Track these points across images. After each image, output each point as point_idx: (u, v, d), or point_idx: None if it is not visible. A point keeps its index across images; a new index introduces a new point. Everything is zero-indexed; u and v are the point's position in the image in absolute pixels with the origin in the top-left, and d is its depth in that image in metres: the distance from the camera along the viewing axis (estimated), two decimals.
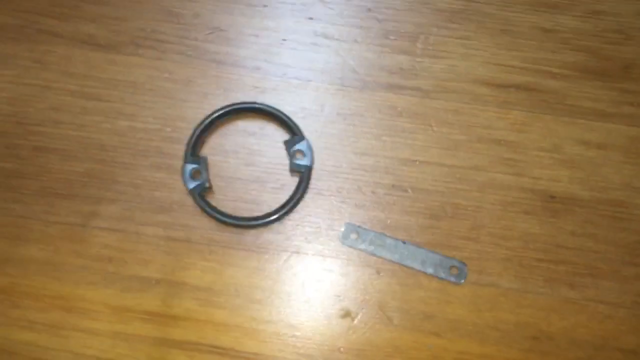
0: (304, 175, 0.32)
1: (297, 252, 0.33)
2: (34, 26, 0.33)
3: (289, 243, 0.33)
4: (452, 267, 0.32)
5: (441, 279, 0.31)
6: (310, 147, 0.32)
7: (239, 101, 0.33)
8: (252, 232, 0.33)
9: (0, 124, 0.33)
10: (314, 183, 0.33)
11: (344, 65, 0.33)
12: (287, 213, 0.32)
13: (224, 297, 0.32)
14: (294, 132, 0.33)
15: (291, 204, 0.32)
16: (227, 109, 0.33)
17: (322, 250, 0.33)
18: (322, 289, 0.32)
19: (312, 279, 0.33)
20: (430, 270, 0.31)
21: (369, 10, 0.34)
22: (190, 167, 0.32)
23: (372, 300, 0.32)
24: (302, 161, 0.32)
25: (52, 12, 0.33)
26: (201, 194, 0.32)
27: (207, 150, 0.33)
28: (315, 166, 0.33)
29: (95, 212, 0.33)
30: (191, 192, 0.32)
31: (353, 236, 0.32)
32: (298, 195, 0.32)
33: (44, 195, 0.33)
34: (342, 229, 0.32)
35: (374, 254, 0.32)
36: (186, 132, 0.33)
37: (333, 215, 0.33)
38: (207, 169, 0.32)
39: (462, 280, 0.31)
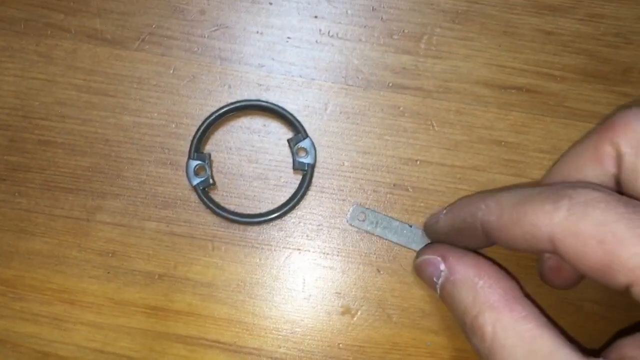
0: (306, 173, 0.33)
1: (299, 249, 0.33)
2: (40, 20, 0.33)
3: (291, 240, 0.33)
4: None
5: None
6: (313, 146, 0.33)
7: (243, 98, 0.34)
8: (255, 228, 0.33)
9: (6, 117, 0.33)
10: (316, 181, 0.33)
11: (347, 64, 0.34)
12: (289, 210, 0.33)
13: (226, 293, 0.33)
14: (297, 130, 0.33)
15: (294, 202, 0.33)
16: (231, 106, 0.33)
17: (323, 247, 0.33)
18: (323, 286, 0.33)
19: (313, 276, 0.33)
20: None
21: (374, 9, 0.34)
22: (194, 163, 0.32)
23: (372, 298, 0.33)
24: (305, 159, 0.33)
25: (59, 6, 0.33)
26: (205, 190, 0.33)
27: (211, 146, 0.33)
28: (318, 164, 0.33)
29: (100, 206, 0.33)
30: (195, 188, 0.32)
31: (360, 217, 0.32)
32: (301, 193, 0.33)
33: (49, 189, 0.33)
34: (350, 210, 0.32)
35: (380, 236, 0.32)
36: (190, 128, 0.33)
37: (335, 213, 0.33)
38: (211, 166, 0.33)
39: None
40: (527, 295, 0.25)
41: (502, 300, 0.24)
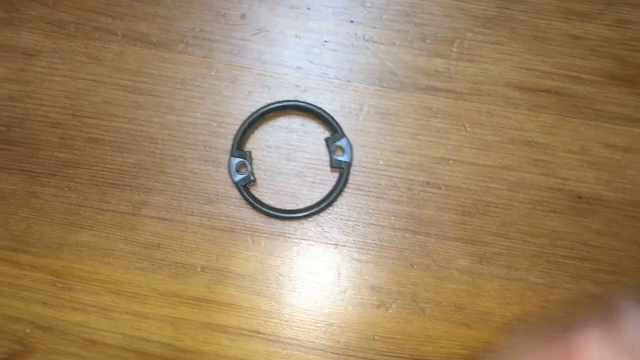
0: (344, 171, 0.34)
1: (335, 244, 0.34)
2: (89, 23, 0.35)
3: (328, 235, 0.34)
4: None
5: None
6: (350, 145, 0.34)
7: (281, 99, 0.35)
8: (293, 223, 0.34)
9: (56, 115, 0.35)
10: (352, 179, 0.35)
11: (382, 67, 0.35)
12: (327, 207, 0.34)
13: (265, 285, 0.34)
14: (334, 130, 0.34)
15: (331, 198, 0.34)
16: (271, 106, 0.34)
17: (359, 243, 0.34)
18: (358, 280, 0.34)
19: (348, 270, 0.34)
20: None
21: (407, 14, 0.35)
22: (236, 160, 0.34)
23: (406, 292, 0.34)
24: (342, 157, 0.34)
25: (107, 10, 0.35)
26: (245, 186, 0.34)
27: (252, 144, 0.35)
28: (354, 162, 0.35)
29: (145, 201, 0.34)
30: (236, 184, 0.34)
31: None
32: (338, 190, 0.34)
33: (96, 185, 0.35)
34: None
35: None
36: (231, 127, 0.35)
37: (370, 210, 0.34)
38: (251, 163, 0.34)
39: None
40: None
41: None
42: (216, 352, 0.34)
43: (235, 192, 0.34)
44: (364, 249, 0.34)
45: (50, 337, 0.34)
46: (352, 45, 0.35)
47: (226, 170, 0.34)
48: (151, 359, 0.34)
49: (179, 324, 0.34)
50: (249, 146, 0.35)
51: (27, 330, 0.34)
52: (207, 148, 0.35)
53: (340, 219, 0.35)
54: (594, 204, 0.34)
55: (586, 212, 0.34)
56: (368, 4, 0.36)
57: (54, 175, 0.35)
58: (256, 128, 0.35)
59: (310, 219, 0.34)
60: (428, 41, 0.35)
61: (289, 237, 0.34)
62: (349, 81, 0.35)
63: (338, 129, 0.34)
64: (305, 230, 0.34)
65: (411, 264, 0.34)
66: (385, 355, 0.34)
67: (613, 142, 0.35)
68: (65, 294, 0.34)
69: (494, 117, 0.35)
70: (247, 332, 0.34)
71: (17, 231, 0.35)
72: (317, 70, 0.35)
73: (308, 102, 0.35)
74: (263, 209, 0.34)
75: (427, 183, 0.35)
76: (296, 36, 0.35)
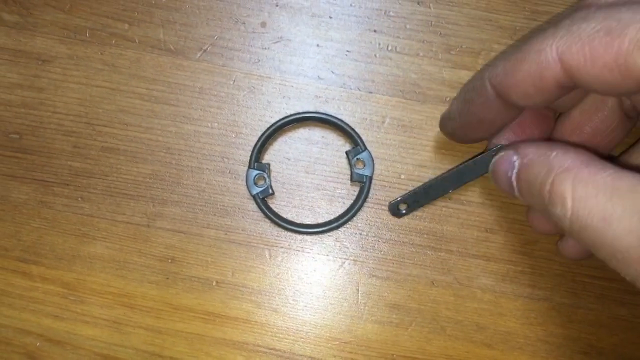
0: (364, 185, 0.33)
1: (354, 260, 0.34)
2: (106, 29, 0.34)
3: (347, 250, 0.34)
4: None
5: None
6: (371, 158, 0.33)
7: (300, 110, 0.34)
8: (312, 238, 0.34)
9: (70, 123, 0.34)
10: (372, 193, 0.34)
11: (405, 78, 0.34)
12: (346, 221, 0.33)
13: (282, 301, 0.33)
14: (356, 143, 0.33)
15: (351, 213, 0.33)
16: (291, 118, 0.33)
17: (378, 259, 0.33)
18: (377, 297, 0.33)
19: (367, 286, 0.33)
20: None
21: (432, 25, 0.34)
22: (254, 172, 0.33)
23: (426, 310, 0.33)
24: (364, 171, 0.33)
25: (124, 16, 0.34)
26: (263, 200, 0.33)
27: (270, 156, 0.34)
28: (375, 176, 0.34)
29: (160, 213, 0.34)
30: (254, 197, 0.33)
31: (402, 207, 0.31)
32: (358, 205, 0.33)
33: (111, 195, 0.34)
34: (389, 210, 0.31)
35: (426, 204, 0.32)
36: (249, 138, 0.34)
37: (391, 226, 0.34)
38: (270, 175, 0.33)
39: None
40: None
41: (577, 161, 0.22)
42: None
43: (252, 205, 0.33)
44: (383, 265, 0.33)
45: (60, 351, 0.33)
46: (375, 56, 0.34)
47: (244, 183, 0.33)
48: None
49: (193, 340, 0.33)
50: (267, 158, 0.34)
51: (37, 344, 0.33)
52: (225, 159, 0.34)
53: (360, 234, 0.34)
54: None
55: None
56: (392, 13, 0.35)
57: (67, 184, 0.34)
58: (275, 139, 0.34)
59: (329, 234, 0.34)
60: (453, 52, 0.34)
61: (307, 252, 0.34)
62: (370, 92, 0.34)
63: (359, 141, 0.33)
64: (324, 245, 0.34)
65: (432, 282, 0.33)
66: None
67: None
68: (77, 306, 0.33)
69: None
70: (263, 349, 0.33)
71: (28, 242, 0.34)
72: (339, 81, 0.34)
73: (329, 113, 0.34)
74: (281, 223, 0.33)
75: (449, 198, 0.34)
76: (317, 45, 0.35)
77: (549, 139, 0.30)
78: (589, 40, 0.21)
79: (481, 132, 0.29)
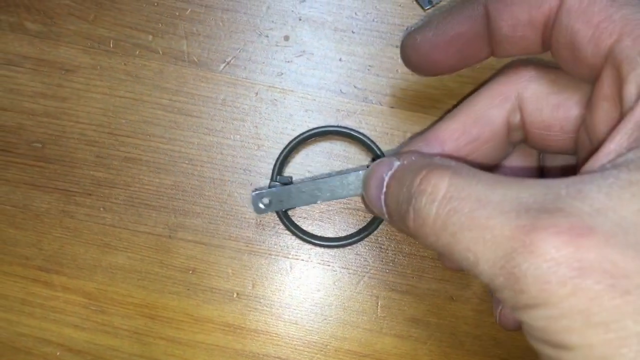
0: None
1: (374, 274, 0.34)
2: (129, 40, 0.34)
3: (367, 264, 0.34)
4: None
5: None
6: None
7: (322, 123, 0.34)
8: (332, 251, 0.34)
9: (93, 133, 0.34)
10: None
11: (427, 94, 0.34)
12: (367, 235, 0.33)
13: (302, 313, 0.33)
14: (377, 157, 0.34)
15: (372, 227, 0.33)
16: (314, 131, 0.34)
17: (398, 273, 0.34)
18: (396, 311, 0.34)
19: (386, 300, 0.34)
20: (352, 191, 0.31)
21: None
22: (261, 193, 0.33)
23: (445, 325, 0.33)
24: None
25: (148, 27, 0.34)
26: (285, 212, 0.33)
27: (292, 170, 0.34)
28: None
29: (182, 224, 0.34)
30: (276, 209, 0.33)
31: (265, 202, 0.32)
32: (379, 219, 0.33)
33: (133, 205, 0.34)
34: (251, 203, 0.32)
35: (289, 208, 0.32)
36: (271, 150, 0.34)
37: (410, 240, 0.34)
38: None
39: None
40: None
41: (459, 164, 0.22)
42: None
43: (274, 218, 0.34)
44: (403, 279, 0.34)
45: None
46: (397, 71, 0.35)
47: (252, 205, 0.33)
48: None
49: (213, 351, 0.33)
50: (289, 171, 0.34)
51: (58, 353, 0.33)
52: (247, 171, 0.34)
53: (380, 248, 0.34)
54: None
55: None
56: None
57: (90, 194, 0.34)
58: (297, 152, 0.34)
59: (349, 247, 0.34)
60: (475, 69, 0.35)
61: (328, 265, 0.34)
62: (392, 107, 0.35)
63: (381, 155, 0.34)
64: (345, 258, 0.34)
65: (451, 297, 0.34)
66: None
67: None
68: (97, 316, 0.33)
69: None
70: None
71: (50, 251, 0.34)
72: (360, 95, 0.35)
73: (350, 127, 0.34)
74: (302, 235, 0.33)
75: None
76: (340, 60, 0.35)
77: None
78: None
79: (445, 53, 0.28)
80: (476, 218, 0.20)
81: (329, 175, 0.33)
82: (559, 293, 0.18)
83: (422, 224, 0.22)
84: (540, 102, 0.27)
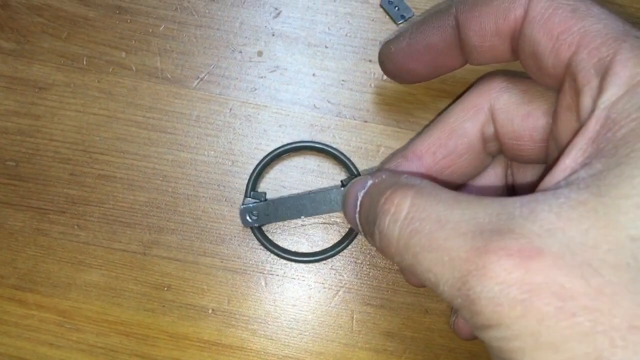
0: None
1: (349, 288, 0.34)
2: (103, 57, 0.34)
3: (342, 278, 0.34)
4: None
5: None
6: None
7: (296, 138, 0.34)
8: (307, 266, 0.34)
9: (67, 151, 0.34)
10: None
11: (400, 108, 0.35)
12: (341, 250, 0.34)
13: (278, 328, 0.33)
14: (351, 172, 0.34)
15: (346, 241, 0.33)
16: (287, 147, 0.34)
17: (372, 287, 0.34)
18: (371, 325, 0.34)
19: (361, 314, 0.34)
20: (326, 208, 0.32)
21: None
22: (250, 201, 0.33)
23: (420, 338, 0.34)
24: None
25: (122, 44, 0.34)
26: (259, 228, 0.33)
27: (266, 185, 0.34)
28: None
29: (156, 240, 0.34)
30: (263, 223, 0.33)
31: (252, 217, 0.32)
32: (353, 233, 0.33)
33: (107, 223, 0.34)
34: (239, 216, 0.32)
35: (276, 222, 0.33)
36: (245, 166, 0.34)
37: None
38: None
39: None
40: None
41: (424, 181, 0.23)
42: None
43: (248, 233, 0.34)
44: (378, 293, 0.34)
45: None
46: (370, 85, 0.35)
47: (239, 217, 0.33)
48: None
49: None
50: (263, 187, 0.34)
51: None
52: (221, 187, 0.34)
53: (355, 262, 0.34)
54: None
55: None
56: None
57: (64, 212, 0.34)
58: (271, 168, 0.34)
59: (324, 262, 0.34)
60: (447, 82, 0.35)
61: (303, 280, 0.34)
62: (366, 121, 0.35)
63: (355, 170, 0.34)
64: (320, 273, 0.34)
65: (426, 310, 0.34)
66: None
67: None
68: (72, 334, 0.33)
69: None
70: None
71: (24, 269, 0.34)
72: (334, 110, 0.35)
73: (324, 142, 0.34)
74: (277, 251, 0.33)
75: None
76: (313, 75, 0.35)
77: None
78: (556, 5, 0.22)
79: (419, 62, 0.29)
80: (435, 239, 0.20)
81: (310, 192, 0.33)
82: (510, 315, 0.18)
83: (387, 244, 0.22)
84: (511, 112, 0.27)
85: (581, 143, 0.20)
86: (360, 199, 0.26)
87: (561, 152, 0.22)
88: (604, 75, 0.20)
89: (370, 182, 0.26)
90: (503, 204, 0.20)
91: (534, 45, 0.23)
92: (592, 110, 0.20)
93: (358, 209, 0.26)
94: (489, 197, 0.21)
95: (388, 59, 0.30)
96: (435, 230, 0.20)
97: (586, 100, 0.21)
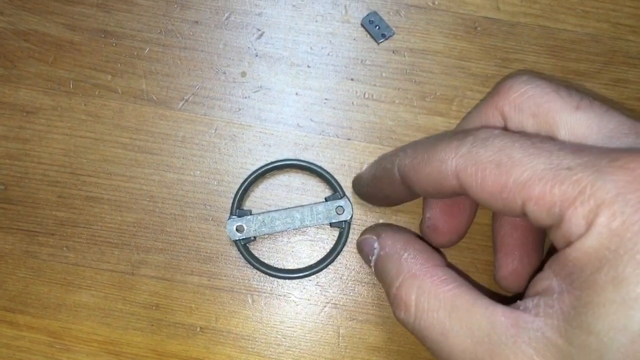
0: (343, 230, 0.34)
1: (335, 304, 0.34)
2: (89, 81, 0.35)
3: (327, 294, 0.34)
4: (337, 207, 0.34)
5: (333, 225, 0.34)
6: (350, 204, 0.34)
7: (281, 157, 0.35)
8: (293, 283, 0.34)
9: (55, 174, 0.35)
10: (352, 237, 0.35)
11: (382, 125, 0.35)
12: (326, 266, 0.34)
13: (265, 345, 0.34)
14: (335, 189, 0.34)
15: (331, 258, 0.34)
16: (271, 165, 0.34)
17: (358, 302, 0.34)
18: (357, 340, 0.34)
19: (348, 329, 0.34)
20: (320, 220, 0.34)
21: (407, 73, 0.35)
22: (235, 219, 0.34)
23: (406, 352, 0.34)
24: (342, 217, 0.34)
25: (107, 67, 0.35)
26: (245, 246, 0.34)
27: (251, 203, 0.35)
28: (353, 221, 0.35)
29: (144, 260, 0.34)
30: (236, 243, 0.34)
31: (240, 229, 0.34)
32: (338, 250, 0.34)
33: (95, 244, 0.34)
34: (227, 226, 0.33)
35: (266, 234, 0.34)
36: (231, 185, 0.35)
37: (369, 269, 0.34)
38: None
39: (349, 217, 0.34)
40: (450, 265, 0.28)
41: (423, 268, 0.25)
42: None
43: (235, 251, 0.34)
44: (363, 308, 0.34)
45: None
46: (353, 104, 0.36)
47: (226, 229, 0.34)
48: None
49: None
50: (248, 205, 0.35)
51: None
52: (207, 207, 0.35)
53: (340, 278, 0.35)
54: None
55: None
56: (368, 62, 0.36)
57: (52, 234, 0.34)
58: (256, 186, 0.35)
59: (310, 278, 0.34)
60: (428, 100, 0.36)
61: (289, 297, 0.34)
62: (349, 139, 0.35)
63: (338, 188, 0.34)
64: (305, 289, 0.34)
65: None
66: None
67: None
68: (63, 355, 0.34)
69: None
70: None
71: (14, 291, 0.34)
72: (317, 128, 0.35)
73: (308, 160, 0.35)
74: (263, 268, 0.34)
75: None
76: (296, 94, 0.36)
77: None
78: (482, 168, 0.23)
79: (387, 203, 0.33)
80: (441, 352, 0.24)
81: (295, 206, 0.34)
82: None
83: (406, 322, 0.26)
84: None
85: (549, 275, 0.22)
86: (373, 267, 0.30)
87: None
88: (557, 223, 0.21)
89: (376, 249, 0.29)
90: (489, 316, 0.22)
91: (480, 202, 0.24)
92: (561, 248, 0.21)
93: (372, 269, 0.30)
94: (479, 307, 0.23)
95: (356, 192, 0.34)
96: (440, 342, 0.23)
97: (553, 236, 0.22)
